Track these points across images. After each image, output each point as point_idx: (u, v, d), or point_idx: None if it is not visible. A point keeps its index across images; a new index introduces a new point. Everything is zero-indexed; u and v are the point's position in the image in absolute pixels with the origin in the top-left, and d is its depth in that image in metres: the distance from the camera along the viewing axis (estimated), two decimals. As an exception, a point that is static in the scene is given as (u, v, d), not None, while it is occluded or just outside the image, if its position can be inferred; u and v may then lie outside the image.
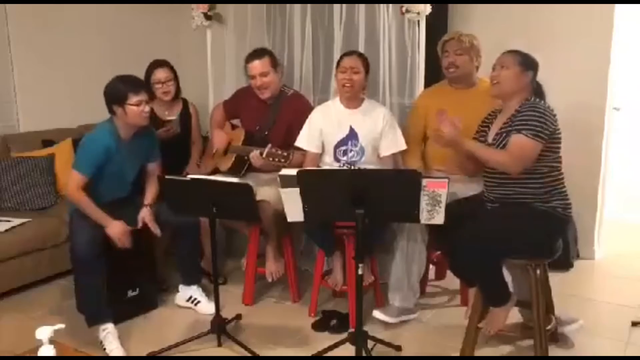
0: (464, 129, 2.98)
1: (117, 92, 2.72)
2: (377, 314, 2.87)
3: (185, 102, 3.65)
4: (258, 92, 3.24)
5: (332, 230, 2.91)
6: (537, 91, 2.55)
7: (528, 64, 2.52)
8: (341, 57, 3.01)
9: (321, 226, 2.87)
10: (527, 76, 2.50)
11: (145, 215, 2.91)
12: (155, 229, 2.91)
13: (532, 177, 2.44)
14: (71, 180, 2.78)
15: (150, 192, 3.00)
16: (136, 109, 2.72)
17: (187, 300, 3.13)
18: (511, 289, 2.51)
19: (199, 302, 3.11)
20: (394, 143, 3.01)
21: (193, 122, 3.67)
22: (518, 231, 2.41)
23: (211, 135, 3.50)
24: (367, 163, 3.01)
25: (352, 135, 3.00)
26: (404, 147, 3.04)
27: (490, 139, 2.57)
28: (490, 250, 2.37)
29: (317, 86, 3.76)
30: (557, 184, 2.47)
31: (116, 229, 2.80)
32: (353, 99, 3.01)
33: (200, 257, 3.33)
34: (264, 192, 3.02)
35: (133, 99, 2.71)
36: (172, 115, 3.50)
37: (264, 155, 2.86)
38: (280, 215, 2.48)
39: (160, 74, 3.43)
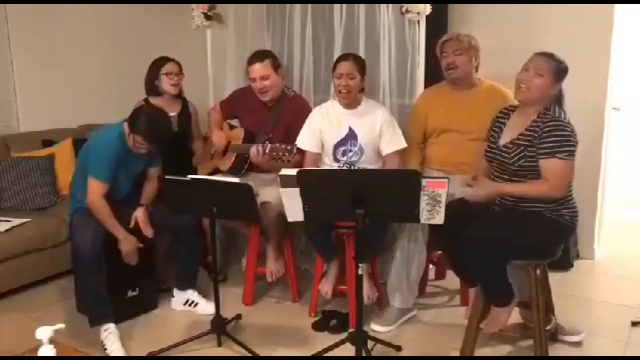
0: (465, 131, 3.00)
1: (135, 123, 2.75)
2: (374, 326, 2.87)
3: (185, 102, 3.65)
4: (259, 95, 3.24)
5: (332, 235, 2.92)
6: (558, 95, 2.45)
7: (561, 74, 2.41)
8: (337, 62, 3.00)
9: (321, 230, 2.88)
10: (556, 87, 2.41)
11: (138, 214, 2.91)
12: (147, 230, 2.91)
13: (520, 184, 2.41)
14: (91, 189, 2.78)
15: (147, 193, 3.01)
16: (137, 144, 2.78)
17: (185, 304, 3.12)
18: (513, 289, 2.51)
19: (197, 303, 3.11)
20: (394, 141, 3.01)
21: (193, 121, 3.67)
22: (525, 236, 2.39)
23: (210, 135, 3.50)
24: (366, 163, 3.01)
25: (351, 135, 3.01)
26: (404, 145, 3.04)
27: (502, 143, 2.49)
28: (496, 252, 2.36)
29: (317, 86, 3.76)
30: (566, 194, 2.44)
31: (127, 245, 2.84)
32: (351, 102, 3.01)
33: (207, 254, 3.33)
34: (267, 194, 3.02)
35: (138, 138, 2.75)
36: (171, 112, 3.49)
37: (267, 150, 2.86)
38: (283, 216, 2.49)
39: (173, 66, 3.45)
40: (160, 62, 3.46)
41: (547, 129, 2.33)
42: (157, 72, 3.44)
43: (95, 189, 2.78)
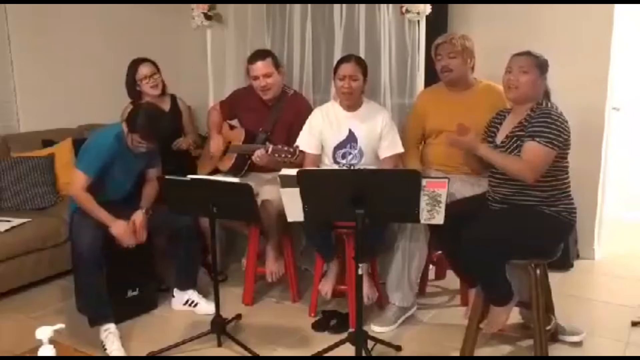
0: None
1: (133, 122, 2.75)
2: (374, 327, 2.86)
3: (173, 99, 3.64)
4: (261, 93, 3.23)
5: (332, 235, 2.92)
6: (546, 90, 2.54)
7: (543, 67, 2.48)
8: (339, 63, 2.98)
9: (321, 230, 2.88)
10: (543, 80, 2.48)
11: (136, 217, 2.90)
12: (141, 234, 2.88)
13: (539, 181, 2.41)
14: (75, 180, 2.80)
15: (147, 196, 3.01)
16: (136, 143, 2.78)
17: (185, 304, 3.13)
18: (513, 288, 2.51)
19: (197, 303, 3.11)
20: (392, 145, 3.01)
21: (184, 117, 3.66)
22: (524, 234, 2.41)
23: (209, 139, 3.49)
24: (366, 165, 3.00)
25: (351, 138, 3.00)
26: (401, 150, 3.03)
27: (499, 141, 2.55)
28: (496, 251, 2.37)
29: (317, 86, 3.76)
30: (563, 189, 2.45)
31: (119, 228, 2.81)
32: (352, 104, 3.01)
33: (206, 254, 3.34)
34: (267, 192, 3.03)
35: (136, 136, 2.75)
36: None
37: (269, 151, 2.87)
38: (283, 215, 2.49)
39: (145, 69, 3.42)
40: (133, 68, 3.43)
41: (537, 118, 2.40)
42: (134, 79, 3.43)
43: (78, 181, 2.79)
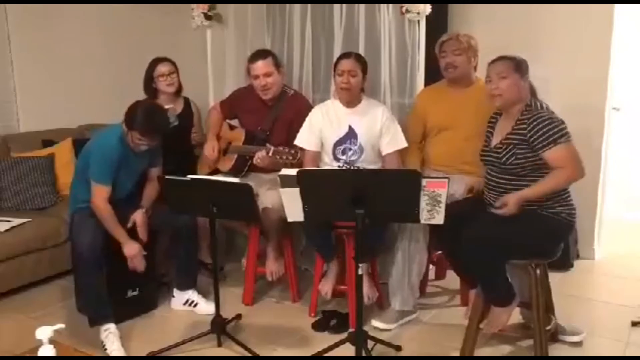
0: (463, 130, 3.00)
1: (132, 120, 2.74)
2: (375, 322, 2.87)
3: (187, 101, 3.65)
4: (261, 93, 3.23)
5: (332, 235, 2.92)
6: (532, 88, 2.55)
7: (522, 68, 2.49)
8: (338, 60, 3.00)
9: (321, 230, 2.88)
10: (526, 81, 2.49)
11: (137, 217, 2.91)
12: (142, 233, 2.90)
13: (537, 183, 2.42)
14: (96, 193, 2.79)
15: (148, 195, 3.01)
16: (136, 140, 2.78)
17: (185, 304, 3.13)
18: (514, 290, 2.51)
19: (197, 303, 3.11)
20: (394, 141, 3.01)
21: (195, 119, 3.68)
22: (524, 234, 2.41)
23: (205, 141, 3.48)
24: (366, 162, 3.01)
25: (351, 134, 3.01)
26: (404, 144, 3.04)
27: (492, 145, 2.56)
28: (497, 252, 2.37)
29: (317, 86, 3.76)
30: (562, 190, 2.45)
31: (133, 250, 2.83)
32: (351, 100, 3.02)
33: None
34: (267, 199, 3.02)
35: (136, 134, 2.75)
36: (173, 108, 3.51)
37: (270, 153, 2.87)
38: (284, 220, 2.49)
39: (164, 67, 3.45)
40: (152, 66, 3.47)
41: (534, 124, 2.39)
42: (152, 76, 3.46)
43: (100, 194, 2.79)
